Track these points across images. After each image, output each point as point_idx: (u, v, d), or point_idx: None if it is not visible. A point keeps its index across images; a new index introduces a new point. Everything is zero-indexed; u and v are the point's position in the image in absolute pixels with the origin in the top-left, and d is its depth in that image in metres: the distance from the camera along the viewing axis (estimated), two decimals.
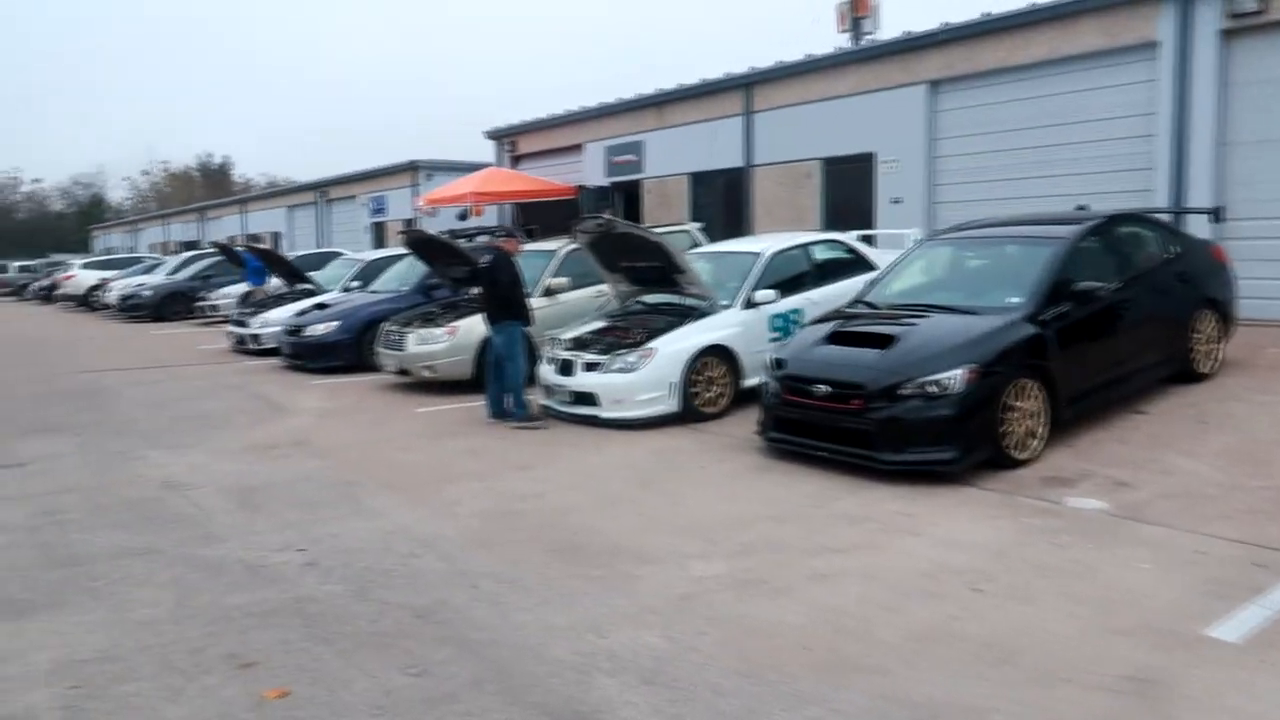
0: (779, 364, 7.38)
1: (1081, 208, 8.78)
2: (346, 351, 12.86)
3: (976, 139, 13.40)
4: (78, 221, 74.15)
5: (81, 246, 62.20)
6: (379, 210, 29.46)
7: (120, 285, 25.64)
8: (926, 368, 6.49)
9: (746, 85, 16.69)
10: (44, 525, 5.93)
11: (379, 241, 29.02)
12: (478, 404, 9.96)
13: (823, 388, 6.83)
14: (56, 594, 4.76)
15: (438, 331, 10.84)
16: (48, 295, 34.40)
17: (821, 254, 10.27)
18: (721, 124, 17.33)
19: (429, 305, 12.21)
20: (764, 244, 10.00)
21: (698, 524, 5.73)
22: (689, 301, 9.48)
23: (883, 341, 6.88)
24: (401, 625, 4.31)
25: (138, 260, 32.79)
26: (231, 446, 8.30)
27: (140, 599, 4.68)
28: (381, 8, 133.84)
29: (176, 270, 25.61)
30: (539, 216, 19.95)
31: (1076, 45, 12.12)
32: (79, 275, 30.97)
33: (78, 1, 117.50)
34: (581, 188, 20.01)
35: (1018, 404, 6.64)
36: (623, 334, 9.23)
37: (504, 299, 8.80)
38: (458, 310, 11.51)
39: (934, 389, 6.41)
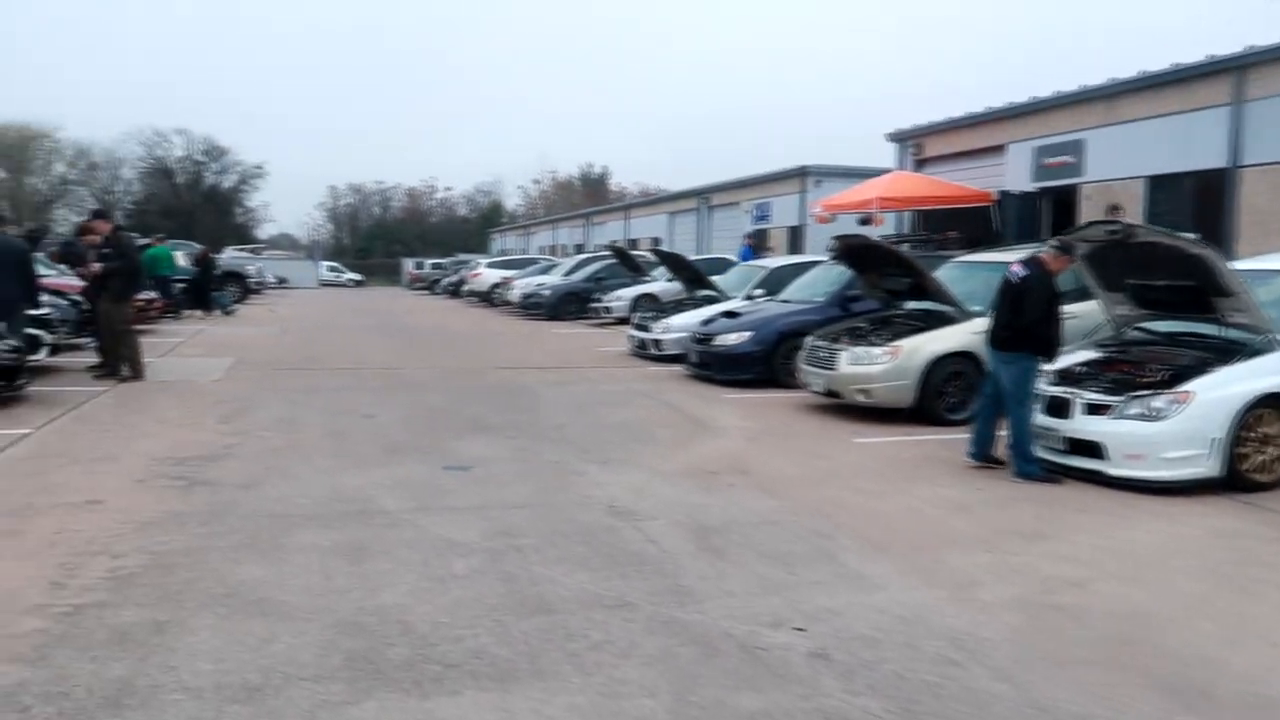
0: None
1: None
2: (758, 364, 11.97)
3: None
4: (479, 225, 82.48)
5: (481, 248, 68.93)
6: (763, 217, 28.93)
7: (522, 284, 27.14)
8: None
9: (1239, 68, 13.66)
10: (503, 550, 5.34)
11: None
12: (924, 438, 8.62)
13: None
14: (535, 654, 3.98)
15: (876, 351, 9.52)
16: (455, 290, 37.88)
17: None
18: (1196, 116, 14.39)
19: (854, 320, 10.93)
20: None
21: None
22: (1227, 334, 7.35)
23: None
24: None
25: (533, 261, 35.01)
26: (667, 467, 7.53)
27: (631, 680, 3.76)
28: (773, 17, 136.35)
29: (571, 272, 26.66)
30: (937, 226, 18.04)
31: None
32: (484, 273, 33.57)
33: (484, 28, 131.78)
34: (1003, 193, 17.80)
35: None
36: (1132, 369, 7.33)
37: (1025, 326, 7.07)
38: (893, 327, 10.13)
39: None
